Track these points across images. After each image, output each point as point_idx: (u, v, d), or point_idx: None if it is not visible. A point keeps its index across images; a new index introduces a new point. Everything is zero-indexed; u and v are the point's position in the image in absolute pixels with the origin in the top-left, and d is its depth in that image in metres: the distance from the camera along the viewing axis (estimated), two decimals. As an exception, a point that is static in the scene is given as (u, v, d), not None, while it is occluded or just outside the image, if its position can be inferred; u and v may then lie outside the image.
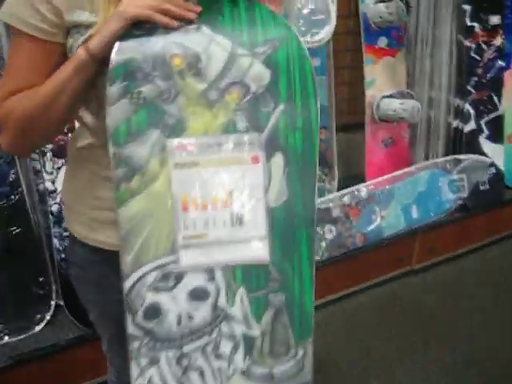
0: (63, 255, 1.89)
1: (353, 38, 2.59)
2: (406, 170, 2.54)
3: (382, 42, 2.58)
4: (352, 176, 2.61)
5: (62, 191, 1.13)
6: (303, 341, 0.85)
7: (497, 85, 2.75)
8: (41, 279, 1.91)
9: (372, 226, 2.40)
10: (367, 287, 2.43)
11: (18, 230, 1.86)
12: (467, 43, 2.61)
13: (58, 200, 1.87)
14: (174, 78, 0.78)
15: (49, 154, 1.85)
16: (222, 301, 0.82)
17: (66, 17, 0.86)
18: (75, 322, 1.88)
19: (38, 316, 1.91)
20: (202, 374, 0.83)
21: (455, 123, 2.66)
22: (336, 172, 2.59)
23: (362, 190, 2.40)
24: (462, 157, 2.62)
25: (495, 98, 2.75)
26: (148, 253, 0.80)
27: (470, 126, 2.69)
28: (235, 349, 0.83)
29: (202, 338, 0.82)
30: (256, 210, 0.80)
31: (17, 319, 1.88)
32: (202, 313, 0.82)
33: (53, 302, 1.94)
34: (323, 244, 2.27)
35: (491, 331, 2.23)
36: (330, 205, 2.29)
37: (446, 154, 2.68)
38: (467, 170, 2.63)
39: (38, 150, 1.84)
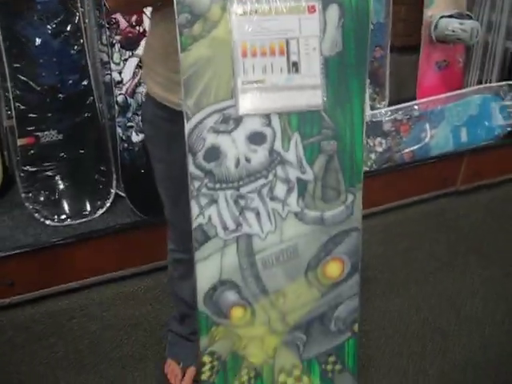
0: (126, 145, 2.00)
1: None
2: (459, 92, 2.55)
3: (444, -41, 2.55)
4: (403, 99, 2.61)
5: (144, 52, 1.22)
6: (353, 187, 0.92)
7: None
8: (102, 167, 2.05)
9: (421, 144, 2.44)
10: (412, 203, 2.48)
11: (83, 118, 1.98)
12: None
13: (123, 91, 1.97)
14: None
15: (117, 46, 1.94)
16: (278, 145, 0.89)
17: None
18: (134, 210, 2.00)
19: (99, 203, 2.05)
20: (257, 214, 0.91)
21: (513, 47, 2.64)
22: (387, 92, 2.61)
23: (415, 107, 2.43)
24: (517, 82, 2.60)
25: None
26: (209, 97, 0.87)
27: (529, 50, 2.65)
28: (289, 192, 0.91)
29: (259, 180, 0.90)
30: (311, 58, 0.86)
31: (78, 204, 2.03)
32: (258, 156, 0.89)
33: (113, 191, 2.08)
34: (372, 156, 2.33)
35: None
36: (382, 119, 2.33)
37: (501, 80, 2.66)
38: (521, 96, 2.62)
39: (106, 42, 1.93)
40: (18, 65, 1.87)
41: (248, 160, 0.89)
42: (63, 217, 2.00)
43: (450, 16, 2.53)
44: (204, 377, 0.94)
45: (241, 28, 0.84)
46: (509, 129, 2.62)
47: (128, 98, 1.99)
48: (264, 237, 0.91)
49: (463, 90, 2.57)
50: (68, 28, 1.92)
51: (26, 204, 1.99)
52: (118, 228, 1.97)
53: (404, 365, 1.78)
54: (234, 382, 0.94)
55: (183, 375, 1.66)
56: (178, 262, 1.55)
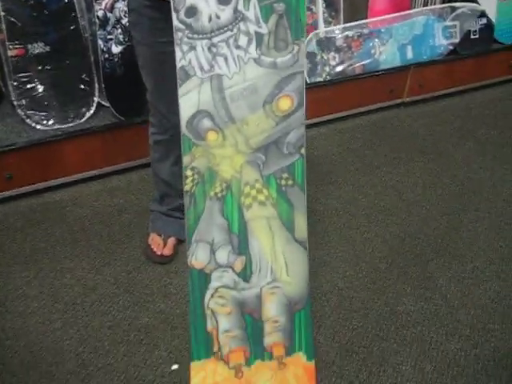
0: (107, 55, 2.24)
1: None
2: (404, 13, 2.83)
3: None
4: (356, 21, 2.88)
5: None
6: (298, 40, 1.19)
7: None
8: (85, 77, 2.28)
9: (370, 59, 2.73)
10: (362, 112, 2.79)
11: (67, 31, 2.21)
12: None
13: (103, 6, 2.19)
14: None
15: (95, -36, 2.15)
16: (240, 6, 1.15)
17: None
18: (116, 114, 2.25)
19: (83, 109, 2.29)
20: (226, 59, 1.18)
21: (453, -29, 2.92)
22: (341, 16, 2.87)
23: (364, 26, 2.71)
24: (457, 4, 2.89)
25: None
26: None
27: (467, -27, 2.93)
28: (249, 42, 1.18)
29: (226, 32, 1.17)
30: None
31: (64, 110, 2.26)
32: (226, 14, 1.15)
33: (95, 99, 2.32)
34: (327, 68, 2.61)
35: (462, 148, 2.64)
36: (335, 35, 2.61)
37: (443, 3, 2.96)
38: (460, 18, 2.91)
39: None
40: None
41: (218, 17, 1.16)
42: (51, 122, 2.23)
43: None
44: (187, 188, 1.22)
45: None
46: (450, 47, 2.93)
47: (107, 12, 2.22)
48: (231, 77, 1.18)
49: (409, 12, 2.85)
50: None
51: (18, 111, 2.21)
52: (102, 127, 2.23)
53: (353, 235, 2.10)
54: (210, 191, 1.23)
55: (165, 245, 1.95)
56: (157, 143, 1.83)
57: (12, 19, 2.12)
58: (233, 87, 1.19)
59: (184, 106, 1.17)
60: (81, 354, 1.63)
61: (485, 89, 3.10)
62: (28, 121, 2.21)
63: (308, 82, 2.56)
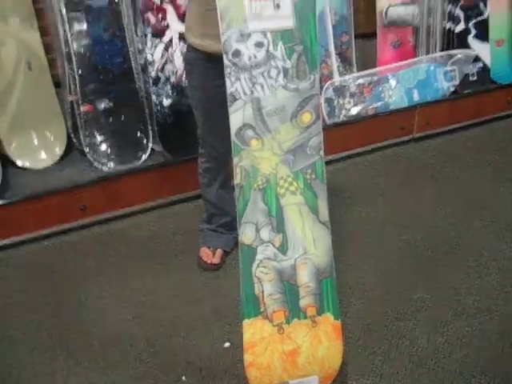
0: (158, 107, 2.72)
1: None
2: (408, 61, 3.29)
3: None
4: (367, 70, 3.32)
5: (186, 19, 1.97)
6: (313, 71, 1.61)
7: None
8: (141, 125, 2.76)
9: (381, 102, 3.17)
10: (376, 148, 3.20)
11: (127, 89, 2.70)
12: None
13: (155, 68, 2.69)
14: None
15: (149, 36, 2.67)
16: (271, 48, 1.60)
17: None
18: (167, 155, 2.70)
19: (140, 153, 2.76)
20: (262, 86, 1.60)
21: (448, 25, 3.37)
22: (354, 69, 3.34)
23: (374, 74, 3.16)
24: (453, 52, 3.34)
25: (481, 4, 3.42)
26: (233, 21, 1.55)
27: (460, 26, 3.36)
28: (278, 73, 1.60)
29: (261, 67, 1.59)
30: (286, 1, 1.58)
31: (124, 154, 2.73)
32: (261, 54, 1.58)
33: (150, 144, 2.78)
34: (343, 111, 3.05)
35: (468, 173, 3.07)
36: (349, 83, 3.06)
37: (442, 51, 3.41)
38: (458, 63, 3.35)
39: (139, 32, 2.66)
40: (83, 51, 2.59)
41: (255, 56, 1.58)
42: (114, 164, 2.69)
43: (396, 5, 3.27)
44: (237, 181, 1.62)
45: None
46: (452, 88, 3.36)
47: (159, 72, 2.71)
48: (266, 99, 1.61)
49: (412, 60, 3.30)
50: (114, 24, 2.64)
51: (88, 156, 2.68)
52: (156, 166, 2.69)
53: (371, 242, 2.47)
54: (254, 184, 1.63)
55: (213, 255, 2.34)
56: (206, 170, 2.25)
57: (84, 82, 2.62)
58: (268, 106, 1.61)
59: (233, 121, 1.60)
60: (149, 337, 2.00)
61: (485, 124, 3.50)
62: (95, 163, 2.68)
63: (327, 123, 2.99)
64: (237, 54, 1.58)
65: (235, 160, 1.62)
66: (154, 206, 2.71)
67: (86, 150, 2.68)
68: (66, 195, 2.52)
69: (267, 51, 1.60)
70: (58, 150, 2.76)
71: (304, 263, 1.68)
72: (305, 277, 1.69)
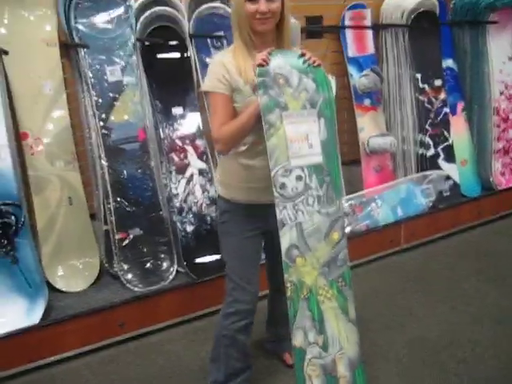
0: (183, 233, 3.09)
1: (348, 101, 3.92)
2: (390, 183, 3.80)
3: (367, 101, 3.91)
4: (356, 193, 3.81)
5: (218, 173, 2.29)
6: (338, 197, 2.05)
7: (445, 124, 4.04)
8: (167, 250, 3.11)
9: (371, 219, 3.62)
10: (370, 260, 3.62)
11: (155, 219, 3.08)
12: (421, 98, 3.96)
13: (179, 199, 3.10)
14: (280, 88, 2.02)
15: (173, 172, 3.10)
16: (308, 180, 2.01)
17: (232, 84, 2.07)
18: (191, 275, 3.04)
19: (167, 274, 3.09)
20: (302, 212, 2.01)
21: (421, 151, 3.95)
22: (343, 192, 3.81)
23: (362, 196, 3.64)
24: (427, 172, 3.88)
25: (446, 133, 4.04)
26: (279, 159, 1.98)
27: (431, 151, 3.97)
28: (314, 201, 2.02)
29: (301, 196, 2.00)
30: (316, 141, 2.03)
31: (152, 276, 3.06)
32: (300, 185, 2.00)
33: (175, 266, 3.12)
34: (340, 228, 3.46)
35: (450, 272, 3.49)
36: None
37: (417, 172, 3.94)
38: (432, 182, 3.88)
39: (165, 169, 3.09)
40: (118, 187, 2.98)
41: (297, 188, 2.00)
42: (144, 284, 3.01)
43: (376, 136, 3.83)
44: (288, 294, 1.97)
45: (289, 129, 1.98)
46: (430, 204, 3.85)
47: (182, 203, 3.12)
48: (306, 222, 2.01)
49: (393, 182, 3.81)
50: (144, 164, 3.07)
51: (122, 279, 3.00)
52: (182, 285, 3.01)
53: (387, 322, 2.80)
54: (301, 294, 1.99)
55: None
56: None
57: (119, 214, 2.99)
58: (308, 229, 2.01)
59: (284, 243, 1.98)
60: None
61: (461, 233, 3.99)
62: (128, 285, 2.99)
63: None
64: (283, 186, 1.99)
65: (286, 276, 1.99)
66: (182, 320, 2.99)
67: (121, 273, 2.99)
68: (105, 314, 2.80)
69: (305, 183, 2.02)
70: (93, 275, 3.07)
71: (341, 357, 2.02)
72: (342, 368, 2.02)
